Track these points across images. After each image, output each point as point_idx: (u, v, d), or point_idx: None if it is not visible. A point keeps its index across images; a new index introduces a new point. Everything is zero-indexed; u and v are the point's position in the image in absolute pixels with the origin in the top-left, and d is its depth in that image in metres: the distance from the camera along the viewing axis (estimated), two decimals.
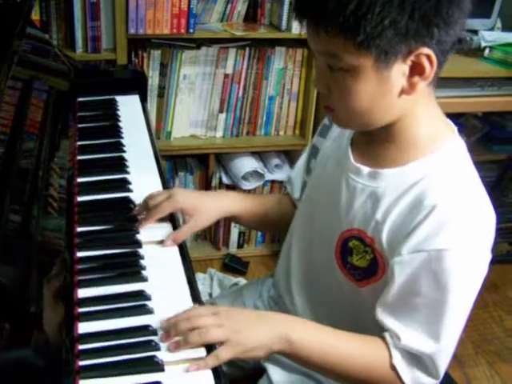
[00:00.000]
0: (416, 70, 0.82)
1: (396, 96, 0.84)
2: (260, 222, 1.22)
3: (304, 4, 0.83)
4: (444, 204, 0.85)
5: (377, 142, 0.93)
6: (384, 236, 0.90)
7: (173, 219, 1.11)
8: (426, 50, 0.80)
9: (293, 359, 0.92)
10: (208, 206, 1.12)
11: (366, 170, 0.94)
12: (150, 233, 1.07)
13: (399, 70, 0.82)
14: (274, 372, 1.09)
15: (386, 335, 0.90)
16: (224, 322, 0.85)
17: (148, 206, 1.09)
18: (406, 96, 0.85)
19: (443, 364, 0.90)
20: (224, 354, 0.83)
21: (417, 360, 0.89)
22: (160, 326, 0.87)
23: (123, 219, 1.10)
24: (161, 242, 1.05)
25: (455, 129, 0.94)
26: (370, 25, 0.76)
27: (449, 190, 0.86)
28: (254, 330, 0.87)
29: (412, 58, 0.81)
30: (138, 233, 1.06)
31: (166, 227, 1.09)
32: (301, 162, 1.20)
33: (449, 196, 0.86)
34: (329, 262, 1.00)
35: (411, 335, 0.88)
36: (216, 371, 0.82)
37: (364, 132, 0.95)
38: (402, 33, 0.77)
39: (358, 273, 0.96)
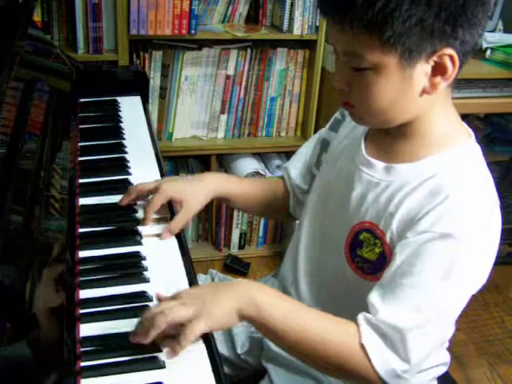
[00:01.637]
0: (438, 70, 0.83)
1: (417, 95, 0.85)
2: (250, 203, 1.23)
3: (330, 0, 0.83)
4: (456, 194, 0.85)
5: (391, 138, 0.94)
6: (394, 227, 0.90)
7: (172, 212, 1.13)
8: (449, 51, 0.81)
9: (259, 327, 0.88)
10: (196, 191, 1.14)
11: (380, 164, 0.94)
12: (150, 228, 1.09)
13: (422, 70, 0.82)
14: (275, 372, 1.09)
15: (360, 315, 0.87)
16: (187, 300, 0.83)
17: (133, 191, 1.11)
18: (427, 96, 0.85)
19: (416, 349, 0.85)
20: (196, 328, 0.81)
21: (387, 338, 0.85)
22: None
23: (125, 220, 1.10)
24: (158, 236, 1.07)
25: (472, 133, 0.94)
26: (397, 22, 0.77)
27: (462, 184, 0.87)
28: (218, 297, 0.85)
29: (435, 58, 0.82)
30: (139, 234, 1.07)
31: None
32: (303, 154, 1.21)
33: (461, 189, 0.86)
34: (338, 255, 1.00)
35: (390, 310, 0.85)
36: (217, 372, 0.82)
37: (380, 128, 0.95)
38: (428, 32, 0.78)
39: (366, 266, 0.96)
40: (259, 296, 0.86)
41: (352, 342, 0.86)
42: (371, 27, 0.78)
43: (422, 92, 0.85)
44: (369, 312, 0.89)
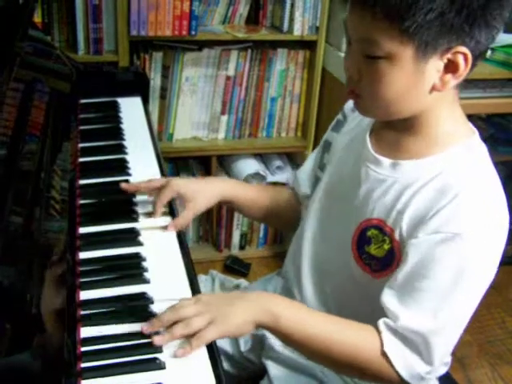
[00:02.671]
0: (450, 67, 0.83)
1: (426, 91, 0.86)
2: (256, 209, 1.23)
3: None
4: (465, 192, 0.86)
5: (397, 134, 0.94)
6: (404, 225, 0.91)
7: (172, 211, 1.13)
8: (463, 49, 0.81)
9: (278, 335, 0.91)
10: (206, 189, 1.14)
11: (386, 161, 0.94)
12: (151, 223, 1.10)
13: (434, 66, 0.83)
14: (276, 371, 1.09)
15: (380, 322, 0.89)
16: (205, 308, 0.85)
17: (143, 184, 1.13)
18: (435, 92, 0.86)
19: (438, 350, 0.87)
20: (209, 335, 0.83)
21: (411, 343, 0.87)
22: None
23: (125, 221, 1.10)
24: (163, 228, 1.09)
25: (476, 131, 0.94)
26: (419, 13, 0.77)
27: (471, 181, 0.88)
28: (236, 307, 0.87)
29: (449, 55, 0.82)
30: (140, 234, 1.06)
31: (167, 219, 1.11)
32: (311, 159, 1.21)
33: (471, 186, 0.87)
34: (344, 252, 1.00)
35: (410, 315, 0.87)
36: (217, 371, 0.82)
37: (385, 123, 0.96)
38: (447, 26, 0.79)
39: (374, 263, 0.96)
40: (275, 306, 0.88)
41: (371, 347, 0.88)
42: (393, 15, 0.78)
43: (431, 88, 0.85)
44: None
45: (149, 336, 0.85)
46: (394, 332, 0.88)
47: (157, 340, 0.83)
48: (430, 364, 0.88)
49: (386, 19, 0.79)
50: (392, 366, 0.87)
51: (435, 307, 0.86)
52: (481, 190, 0.87)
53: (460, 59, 0.82)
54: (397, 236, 0.92)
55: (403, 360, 0.88)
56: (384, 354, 0.88)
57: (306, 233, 1.11)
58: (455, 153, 0.90)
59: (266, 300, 0.89)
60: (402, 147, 0.94)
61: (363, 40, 0.84)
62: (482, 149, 0.93)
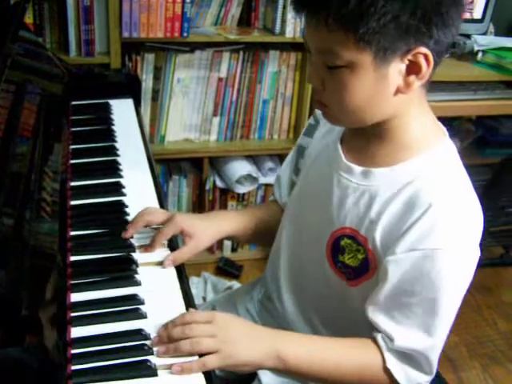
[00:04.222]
0: (413, 69, 0.83)
1: (391, 94, 0.85)
2: (254, 236, 1.20)
3: None
4: (439, 203, 0.86)
5: (368, 141, 0.93)
6: (378, 235, 0.90)
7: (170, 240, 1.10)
8: (423, 50, 0.81)
9: (284, 374, 0.93)
10: (208, 229, 1.10)
11: (358, 168, 0.94)
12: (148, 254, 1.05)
13: (396, 69, 0.82)
14: (265, 376, 1.09)
15: (378, 337, 0.90)
16: (218, 332, 0.85)
17: (143, 220, 1.06)
18: (401, 95, 0.85)
19: (435, 359, 0.91)
20: (211, 364, 0.83)
21: (410, 359, 0.89)
22: (154, 330, 0.86)
23: (117, 223, 1.10)
24: (159, 264, 1.02)
25: (446, 131, 0.94)
26: (372, 19, 0.76)
27: (443, 189, 0.87)
28: (247, 345, 0.86)
29: (410, 56, 0.82)
30: (131, 237, 1.06)
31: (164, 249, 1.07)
32: (285, 165, 1.20)
33: (443, 196, 0.87)
34: (319, 260, 1.00)
35: (404, 335, 0.88)
36: (208, 374, 0.82)
37: (355, 130, 0.95)
38: (403, 29, 0.78)
39: (348, 271, 0.96)
40: (282, 347, 0.88)
41: (375, 365, 0.91)
42: (346, 24, 0.78)
43: (396, 91, 0.85)
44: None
45: (140, 339, 0.85)
46: (394, 352, 0.89)
47: (161, 351, 0.82)
48: (431, 374, 0.91)
49: (341, 29, 0.78)
50: (394, 380, 0.90)
51: (426, 322, 0.88)
52: (453, 198, 0.87)
53: (421, 60, 0.81)
54: (370, 245, 0.92)
55: (405, 375, 0.90)
56: (386, 370, 0.90)
57: (282, 240, 1.10)
58: (425, 159, 0.89)
59: (274, 343, 0.88)
60: (373, 154, 0.93)
61: (322, 51, 0.84)
62: (453, 152, 0.92)
